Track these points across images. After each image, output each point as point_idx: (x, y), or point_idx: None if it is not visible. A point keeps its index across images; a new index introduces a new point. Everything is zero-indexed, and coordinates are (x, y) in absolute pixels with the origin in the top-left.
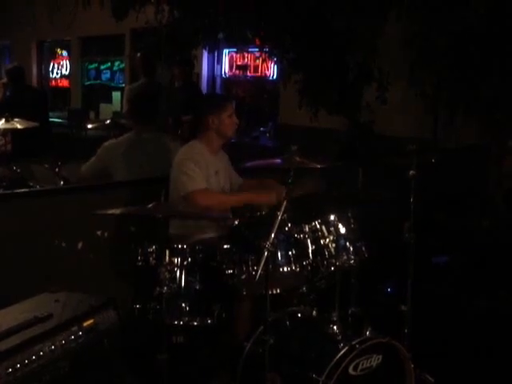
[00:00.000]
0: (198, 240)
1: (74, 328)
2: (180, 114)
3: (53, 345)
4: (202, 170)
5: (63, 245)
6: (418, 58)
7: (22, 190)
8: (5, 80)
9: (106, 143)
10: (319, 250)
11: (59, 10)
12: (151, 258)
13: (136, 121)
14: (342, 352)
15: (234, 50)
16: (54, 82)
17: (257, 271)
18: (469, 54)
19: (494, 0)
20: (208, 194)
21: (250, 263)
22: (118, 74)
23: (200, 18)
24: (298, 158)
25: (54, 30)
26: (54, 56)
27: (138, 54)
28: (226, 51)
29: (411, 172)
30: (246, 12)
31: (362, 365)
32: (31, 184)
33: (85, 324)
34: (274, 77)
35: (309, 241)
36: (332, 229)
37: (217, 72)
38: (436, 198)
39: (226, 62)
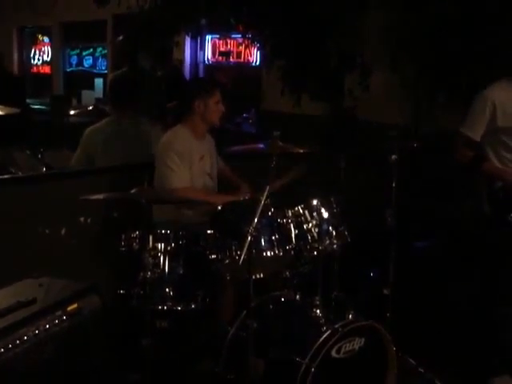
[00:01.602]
0: (182, 225)
1: (58, 313)
2: (164, 101)
3: (37, 329)
4: (185, 161)
5: (46, 231)
6: (398, 45)
7: (4, 177)
8: None
9: (87, 130)
10: (302, 234)
11: None
12: (135, 244)
13: (115, 107)
14: (324, 335)
15: (217, 36)
16: (35, 68)
17: (240, 256)
18: (447, 41)
19: None
20: (191, 194)
21: (233, 248)
22: (100, 61)
23: (182, 4)
24: (280, 144)
25: (35, 16)
26: (35, 42)
27: (120, 38)
28: (208, 37)
29: (393, 157)
30: None
31: (345, 348)
32: (13, 171)
33: (68, 309)
34: (257, 63)
35: (292, 225)
36: (315, 213)
37: (200, 58)
38: (418, 184)
39: (209, 48)
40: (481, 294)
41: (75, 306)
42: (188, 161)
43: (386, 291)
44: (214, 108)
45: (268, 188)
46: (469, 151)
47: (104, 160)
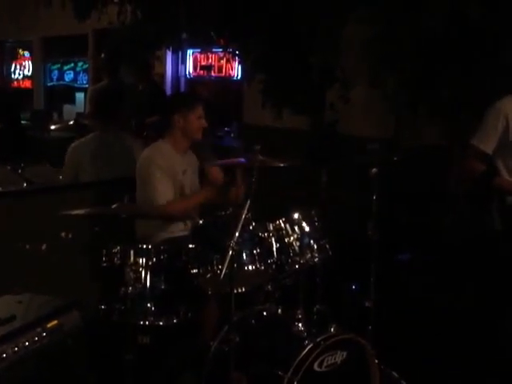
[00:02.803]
0: (163, 240)
1: (38, 329)
2: (143, 115)
3: (16, 346)
4: (167, 175)
5: (26, 246)
6: (379, 59)
7: None
8: None
9: (71, 146)
10: (283, 248)
11: (20, 10)
12: (116, 259)
13: (100, 121)
14: (307, 349)
15: (198, 50)
16: (16, 83)
17: (221, 270)
18: (428, 54)
19: (450, 3)
20: (172, 206)
21: (214, 262)
22: (81, 75)
23: (163, 19)
24: (260, 157)
25: (16, 30)
26: (15, 57)
27: (102, 55)
28: (190, 51)
29: (373, 170)
30: (209, 12)
31: (327, 361)
32: None
33: (48, 325)
34: (239, 77)
35: (273, 239)
36: (296, 227)
37: (181, 72)
38: (398, 196)
39: (190, 62)
40: (464, 305)
41: (55, 322)
42: (170, 175)
43: (367, 304)
44: (195, 123)
45: (249, 202)
46: (480, 165)
47: (90, 175)
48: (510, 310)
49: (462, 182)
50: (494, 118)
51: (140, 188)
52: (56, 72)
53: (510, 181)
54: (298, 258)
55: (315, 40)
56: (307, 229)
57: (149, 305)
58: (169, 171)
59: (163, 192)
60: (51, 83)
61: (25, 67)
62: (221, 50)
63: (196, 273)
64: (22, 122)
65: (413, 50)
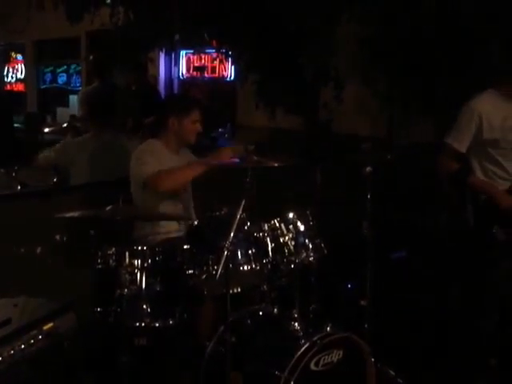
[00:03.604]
0: (159, 241)
1: (34, 332)
2: (140, 116)
3: (12, 350)
4: (156, 159)
5: (22, 249)
6: (371, 58)
7: None
8: None
9: (65, 140)
10: (279, 247)
11: (12, 13)
12: (111, 261)
13: (93, 124)
14: (303, 348)
15: (191, 51)
16: (9, 86)
17: (217, 271)
18: (419, 54)
19: (441, 3)
20: (162, 177)
21: (210, 263)
22: (74, 78)
23: (155, 20)
24: (255, 158)
25: (8, 34)
26: (8, 60)
27: (91, 57)
28: (182, 53)
29: (367, 169)
30: (202, 13)
31: (324, 360)
32: None
33: (44, 328)
34: (232, 78)
35: (268, 239)
36: (291, 227)
37: (174, 74)
38: (393, 195)
39: (184, 63)
40: (461, 305)
41: (51, 325)
42: (161, 164)
43: (363, 303)
44: (189, 127)
45: (244, 202)
46: (454, 163)
47: (85, 177)
48: (482, 310)
49: (439, 180)
50: (467, 117)
51: (132, 182)
52: (49, 75)
53: (484, 180)
54: (293, 258)
55: (307, 40)
56: (302, 228)
57: (144, 306)
58: (159, 161)
59: (148, 166)
60: (44, 86)
61: (18, 70)
62: (214, 50)
63: (191, 274)
64: (16, 125)
65: (405, 49)
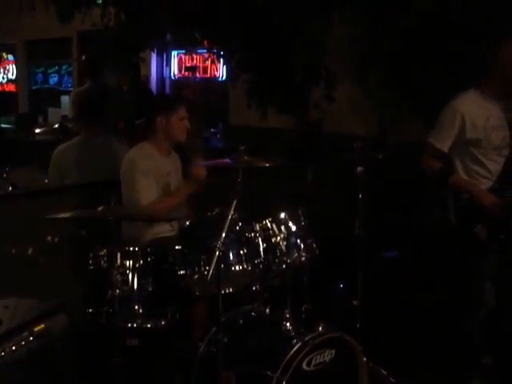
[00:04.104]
0: (150, 241)
1: (25, 333)
2: (132, 117)
3: (3, 351)
4: (150, 178)
5: (13, 250)
6: (362, 57)
7: None
8: None
9: (57, 149)
10: (270, 248)
11: (3, 13)
12: (103, 262)
13: (84, 124)
14: (295, 348)
15: (183, 51)
16: (0, 86)
17: (209, 271)
18: (410, 55)
19: (432, 2)
20: (155, 206)
21: (201, 263)
22: (66, 78)
23: (146, 21)
24: (246, 158)
25: None
26: None
27: (83, 58)
28: (174, 53)
29: (359, 168)
30: (193, 13)
31: (316, 360)
32: None
33: (36, 329)
34: (224, 78)
35: (260, 239)
36: (283, 227)
37: (166, 74)
38: (385, 194)
39: (175, 63)
40: (449, 303)
41: (42, 326)
42: (154, 177)
43: (355, 302)
44: (177, 124)
45: (235, 202)
46: (436, 162)
47: (76, 179)
48: (468, 307)
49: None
50: (450, 117)
51: (124, 190)
52: (40, 75)
53: (466, 180)
54: (284, 258)
55: (299, 39)
56: (294, 228)
57: (136, 307)
58: (152, 173)
59: (146, 193)
60: (36, 86)
61: (9, 71)
62: (205, 51)
63: (183, 274)
64: (7, 125)
65: (395, 48)
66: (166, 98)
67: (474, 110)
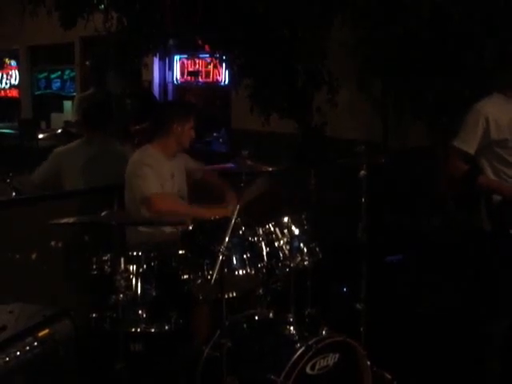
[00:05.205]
0: (153, 246)
1: (29, 339)
2: (130, 123)
3: (7, 357)
4: (155, 174)
5: (17, 256)
6: (364, 62)
7: None
8: None
9: (57, 149)
10: (274, 252)
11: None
12: (106, 267)
13: (88, 129)
14: (298, 352)
15: (185, 56)
16: (3, 92)
17: (212, 275)
18: (411, 58)
19: (433, 6)
20: (165, 199)
21: (205, 268)
22: (68, 83)
23: (148, 26)
24: (249, 162)
25: (2, 40)
26: (2, 66)
27: (87, 63)
28: (177, 57)
29: (362, 172)
30: (195, 19)
31: (319, 364)
32: None
33: (40, 334)
34: (226, 82)
35: (263, 243)
36: (286, 231)
37: (168, 78)
38: (387, 198)
39: (178, 68)
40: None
41: (46, 331)
42: (160, 175)
43: (358, 306)
44: (188, 133)
45: (238, 207)
46: (463, 164)
47: (76, 182)
48: (495, 312)
49: (448, 182)
50: (474, 119)
51: (128, 191)
52: (43, 80)
53: (496, 180)
54: (288, 262)
55: (301, 44)
56: (297, 232)
57: (140, 312)
58: (157, 172)
59: (151, 184)
60: (39, 92)
61: (11, 76)
62: (208, 55)
63: (187, 279)
64: (10, 131)
65: (397, 53)
66: (183, 106)
67: (497, 111)
